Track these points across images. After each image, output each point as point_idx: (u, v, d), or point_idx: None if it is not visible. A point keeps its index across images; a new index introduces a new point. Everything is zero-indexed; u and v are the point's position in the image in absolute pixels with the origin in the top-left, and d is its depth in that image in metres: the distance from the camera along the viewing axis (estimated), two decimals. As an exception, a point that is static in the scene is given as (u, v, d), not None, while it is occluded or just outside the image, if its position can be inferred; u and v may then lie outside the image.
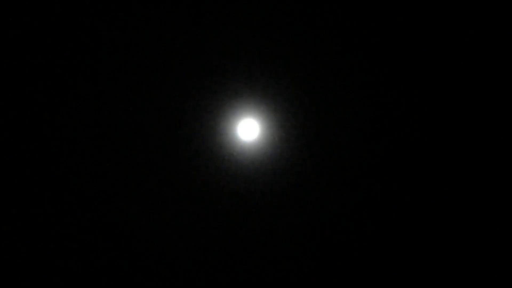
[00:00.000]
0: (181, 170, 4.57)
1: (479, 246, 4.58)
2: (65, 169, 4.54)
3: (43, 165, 4.53)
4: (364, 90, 4.63)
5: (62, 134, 4.56)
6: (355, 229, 4.60)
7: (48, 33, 4.55)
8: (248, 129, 4.59)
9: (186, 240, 4.57)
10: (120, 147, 4.56)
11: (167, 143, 4.58)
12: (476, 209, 4.60)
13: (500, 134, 4.61)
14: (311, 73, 4.64)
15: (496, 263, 4.54)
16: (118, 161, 4.55)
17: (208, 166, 4.57)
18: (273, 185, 4.60)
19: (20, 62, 4.55)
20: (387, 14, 4.64)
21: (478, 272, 4.56)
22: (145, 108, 4.58)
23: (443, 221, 4.62)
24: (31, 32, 4.54)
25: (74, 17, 4.57)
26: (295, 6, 4.64)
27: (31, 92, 4.54)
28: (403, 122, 4.64)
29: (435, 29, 4.67)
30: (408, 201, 4.62)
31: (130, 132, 4.57)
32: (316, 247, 4.59)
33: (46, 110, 4.55)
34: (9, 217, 4.50)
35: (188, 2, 4.62)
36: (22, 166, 4.52)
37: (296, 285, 4.57)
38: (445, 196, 4.62)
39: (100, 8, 4.58)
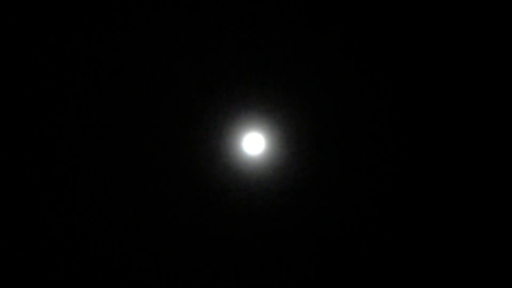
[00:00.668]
0: (186, 184, 4.58)
1: (479, 246, 4.57)
2: (69, 171, 4.55)
3: (59, 169, 4.55)
4: (372, 104, 4.63)
5: (67, 136, 4.57)
6: (361, 242, 4.59)
7: (54, 34, 4.56)
8: (254, 143, 4.59)
9: (191, 253, 4.57)
10: (126, 160, 4.56)
11: (172, 157, 4.58)
12: (476, 210, 4.59)
13: (500, 134, 4.60)
14: (317, 87, 4.63)
15: (496, 263, 4.54)
16: (124, 173, 4.56)
17: (214, 180, 4.57)
18: (278, 199, 4.59)
19: (20, 62, 4.56)
20: (397, 25, 4.63)
21: (478, 272, 4.55)
22: (151, 122, 4.58)
23: (447, 222, 4.61)
24: (32, 32, 4.55)
25: (85, 22, 4.59)
26: (301, 20, 4.64)
27: (42, 93, 4.55)
28: (411, 131, 4.63)
29: (435, 29, 4.66)
30: (422, 210, 4.61)
31: (135, 144, 4.57)
32: (321, 259, 4.59)
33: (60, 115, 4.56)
34: (9, 217, 4.52)
35: (194, 17, 4.62)
36: (24, 166, 4.53)
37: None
38: (448, 198, 4.62)
39: (111, 17, 4.59)
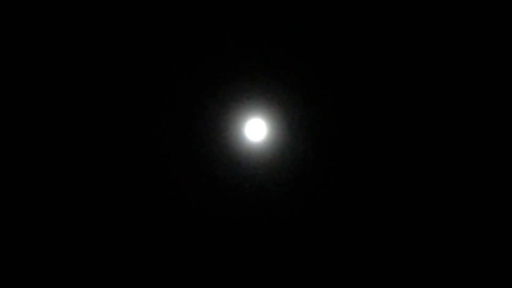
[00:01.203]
0: (188, 171, 4.58)
1: (479, 246, 4.57)
2: (75, 166, 4.56)
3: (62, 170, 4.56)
4: (372, 90, 4.63)
5: (73, 131, 4.57)
6: (363, 230, 4.59)
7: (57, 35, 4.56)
8: (256, 130, 4.59)
9: (191, 240, 4.57)
10: (125, 147, 4.57)
11: (174, 144, 4.58)
12: (476, 210, 4.59)
13: (500, 134, 4.60)
14: (319, 73, 4.63)
15: (496, 263, 4.54)
16: (123, 160, 4.56)
17: (215, 167, 4.58)
18: (280, 185, 4.59)
19: (20, 62, 4.57)
20: (395, 16, 4.62)
21: (478, 272, 4.55)
22: (152, 108, 4.58)
23: (446, 219, 4.62)
24: (33, 32, 4.55)
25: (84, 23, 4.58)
26: (302, 7, 4.63)
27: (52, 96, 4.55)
28: (409, 121, 4.63)
29: (435, 29, 4.66)
30: (419, 204, 4.61)
31: (137, 132, 4.57)
32: (324, 248, 4.59)
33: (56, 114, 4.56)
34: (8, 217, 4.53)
35: (196, 5, 4.62)
36: (24, 166, 4.54)
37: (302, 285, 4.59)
38: (447, 193, 4.62)
39: (112, 13, 4.58)
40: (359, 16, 4.65)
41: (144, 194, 4.56)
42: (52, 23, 4.55)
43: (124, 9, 4.60)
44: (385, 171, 4.62)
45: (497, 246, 4.57)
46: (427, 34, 4.66)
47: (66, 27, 4.58)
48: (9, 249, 4.50)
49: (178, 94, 4.60)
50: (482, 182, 4.61)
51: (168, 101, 4.59)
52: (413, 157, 4.63)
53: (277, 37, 4.63)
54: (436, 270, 4.59)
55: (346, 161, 4.61)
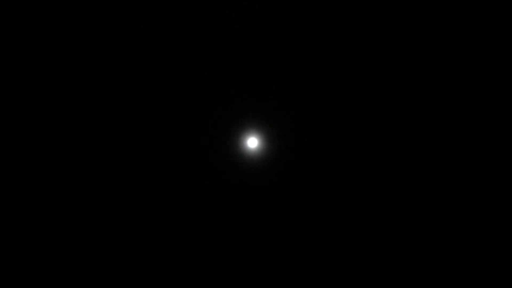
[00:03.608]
0: (186, 180, 4.57)
1: (479, 246, 4.59)
2: (78, 177, 4.56)
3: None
4: (370, 100, 4.60)
5: (79, 133, 4.57)
6: (361, 234, 4.60)
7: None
8: (252, 139, 4.57)
9: (190, 249, 4.57)
10: (127, 154, 4.56)
11: (172, 155, 4.57)
12: (475, 210, 4.60)
13: (500, 134, 4.59)
14: (316, 84, 4.60)
15: (496, 263, 4.54)
16: (124, 166, 4.56)
17: (213, 177, 4.56)
18: (276, 195, 4.58)
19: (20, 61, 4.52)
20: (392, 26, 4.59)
21: (478, 272, 4.57)
22: (155, 124, 4.56)
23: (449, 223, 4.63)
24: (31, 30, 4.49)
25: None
26: (299, 14, 4.59)
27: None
28: (407, 127, 4.64)
29: (435, 29, 4.62)
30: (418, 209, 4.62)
31: (139, 141, 4.56)
32: (321, 253, 4.61)
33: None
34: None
35: (202, 21, 4.58)
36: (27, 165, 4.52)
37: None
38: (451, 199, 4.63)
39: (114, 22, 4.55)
40: (358, 29, 4.61)
41: (142, 203, 4.54)
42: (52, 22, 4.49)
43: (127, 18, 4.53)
44: (387, 177, 4.58)
45: (497, 246, 4.57)
46: (425, 35, 4.62)
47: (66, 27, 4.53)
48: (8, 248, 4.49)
49: (176, 105, 4.56)
50: (482, 182, 4.60)
51: (171, 116, 4.55)
52: (411, 163, 4.65)
53: (274, 51, 4.58)
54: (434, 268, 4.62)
55: (344, 171, 4.59)
